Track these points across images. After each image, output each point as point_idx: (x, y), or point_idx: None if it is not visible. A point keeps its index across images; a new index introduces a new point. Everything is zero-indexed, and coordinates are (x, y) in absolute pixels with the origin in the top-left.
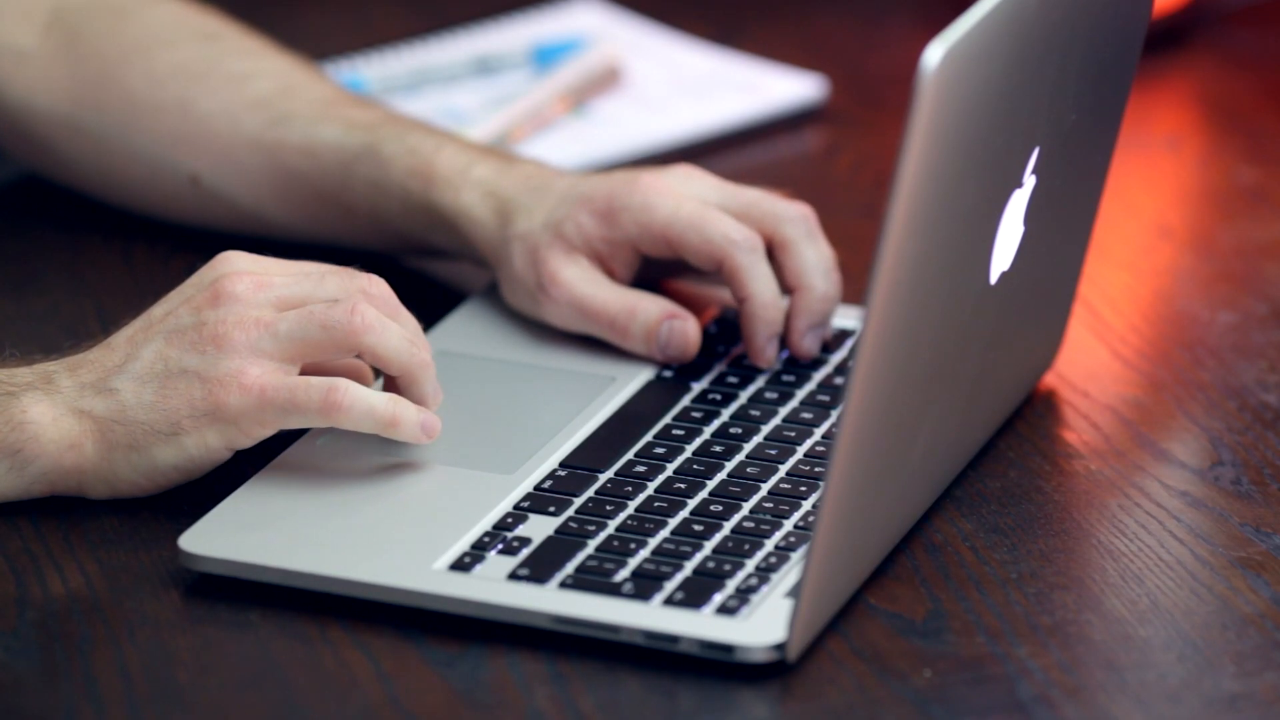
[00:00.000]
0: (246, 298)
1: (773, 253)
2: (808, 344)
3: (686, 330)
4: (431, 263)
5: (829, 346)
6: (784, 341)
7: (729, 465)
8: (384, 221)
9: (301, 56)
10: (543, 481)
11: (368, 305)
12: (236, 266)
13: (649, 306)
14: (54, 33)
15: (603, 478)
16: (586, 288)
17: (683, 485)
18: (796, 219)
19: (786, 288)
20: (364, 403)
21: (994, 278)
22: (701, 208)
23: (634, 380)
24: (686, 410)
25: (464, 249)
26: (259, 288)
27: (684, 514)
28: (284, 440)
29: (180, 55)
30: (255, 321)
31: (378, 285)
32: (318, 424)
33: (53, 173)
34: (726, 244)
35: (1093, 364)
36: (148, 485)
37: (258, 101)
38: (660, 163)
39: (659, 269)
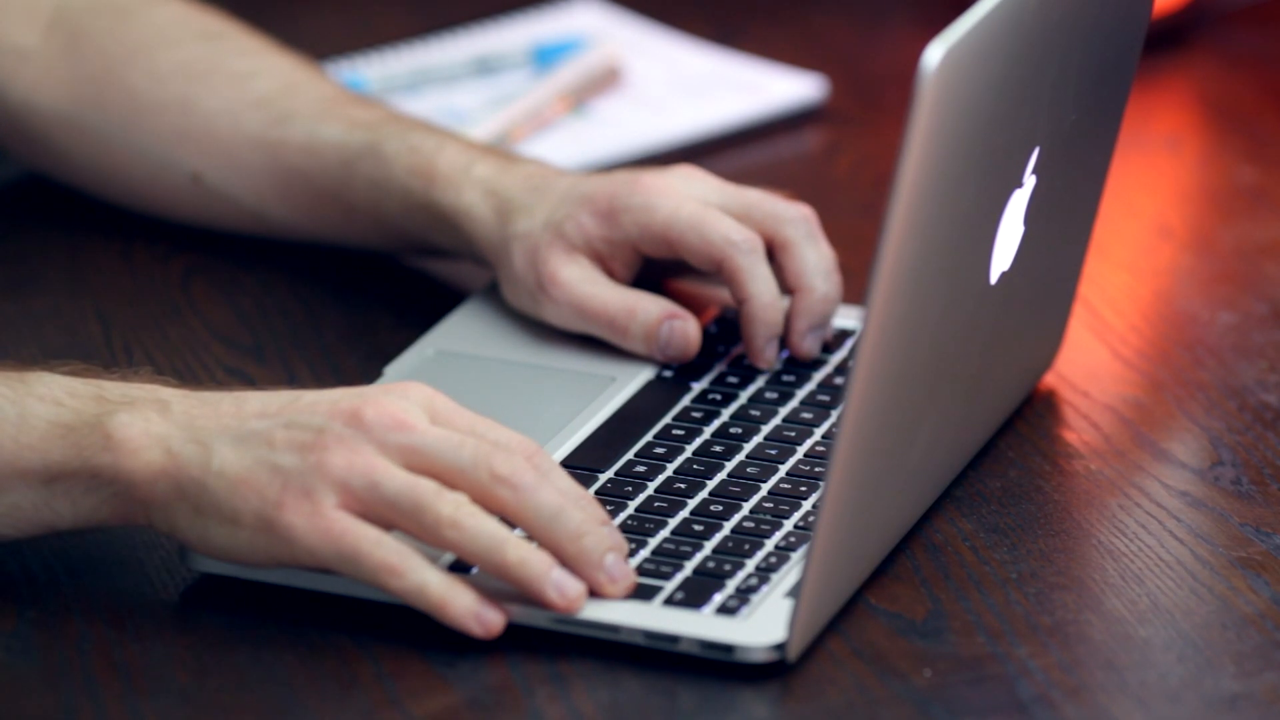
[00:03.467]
0: (377, 432)
1: (773, 254)
2: (808, 345)
3: (687, 330)
4: (431, 262)
5: (829, 346)
6: (784, 342)
7: (729, 465)
8: (385, 220)
9: (303, 56)
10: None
11: (466, 503)
12: (398, 398)
13: (649, 306)
14: (56, 31)
15: (603, 478)
16: (586, 288)
17: (683, 485)
18: (797, 220)
19: (787, 289)
20: (419, 576)
21: (994, 278)
22: (702, 209)
23: (634, 380)
24: (686, 410)
25: (464, 248)
26: (394, 427)
27: (684, 514)
28: None
29: (182, 54)
30: (366, 460)
31: (511, 466)
32: (366, 580)
33: (54, 172)
34: (726, 245)
35: (1093, 364)
36: (199, 547)
37: (259, 100)
38: (660, 163)
39: (660, 269)
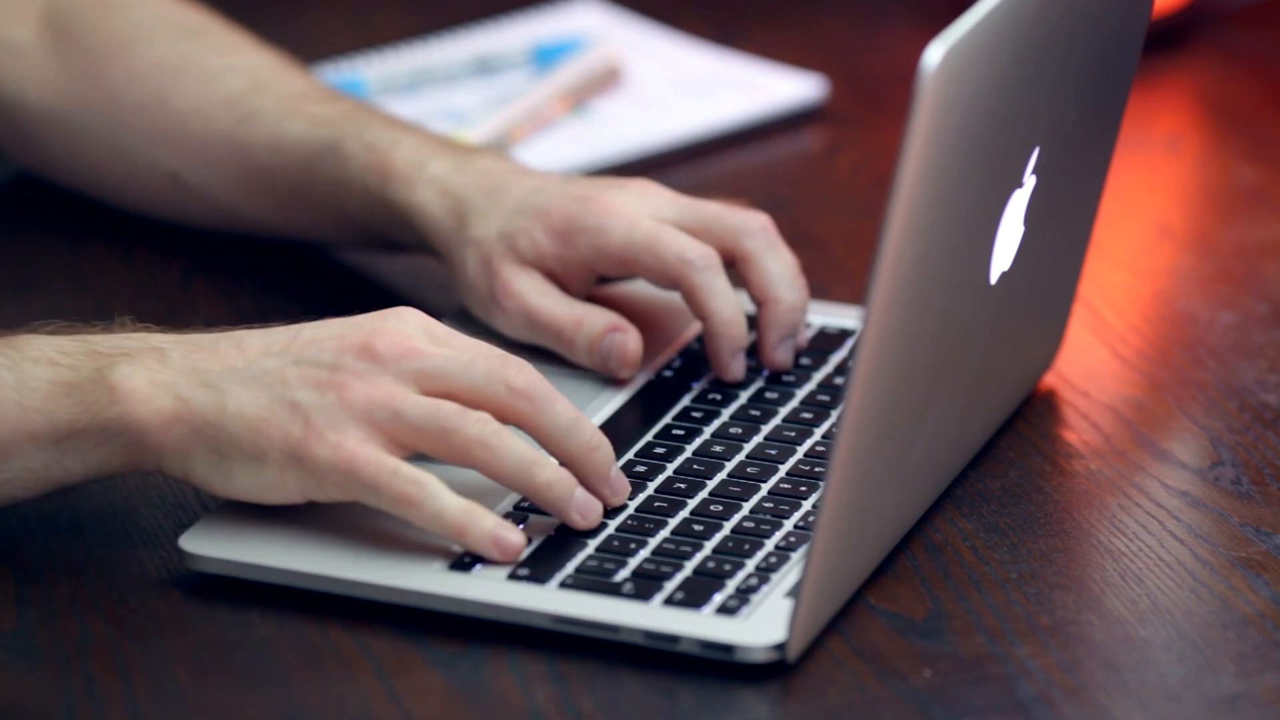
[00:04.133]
0: (390, 362)
1: (735, 266)
2: (780, 355)
3: (626, 342)
4: (430, 263)
5: (829, 346)
6: (756, 354)
7: (729, 465)
8: (349, 217)
9: (281, 52)
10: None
11: (491, 421)
12: (399, 325)
13: (595, 319)
14: (49, 26)
15: None
16: (537, 299)
17: (683, 485)
18: (756, 231)
19: (754, 301)
20: (436, 505)
21: (994, 278)
22: (656, 228)
23: (634, 380)
24: (686, 410)
25: (421, 245)
26: (406, 355)
27: (684, 514)
28: None
29: (159, 51)
30: (385, 391)
31: (525, 378)
32: (390, 511)
33: (42, 169)
34: (681, 264)
35: (1093, 364)
36: (219, 489)
37: (229, 98)
38: (661, 163)
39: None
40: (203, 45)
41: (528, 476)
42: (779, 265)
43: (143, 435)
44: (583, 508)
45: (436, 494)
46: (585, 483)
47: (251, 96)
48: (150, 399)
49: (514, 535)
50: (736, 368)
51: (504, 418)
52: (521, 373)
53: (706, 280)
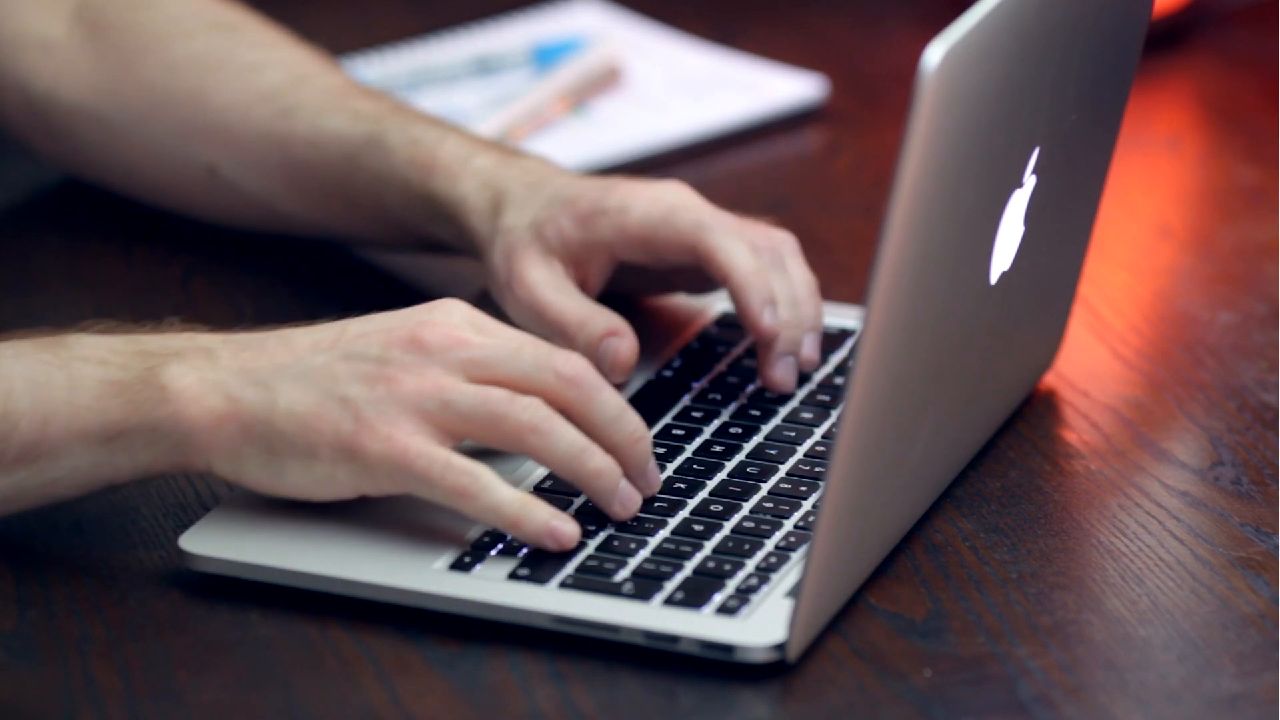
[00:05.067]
0: (438, 353)
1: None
2: (778, 374)
3: (618, 349)
4: (432, 263)
5: (829, 346)
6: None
7: (729, 465)
8: (387, 213)
9: (317, 49)
10: (543, 481)
11: (543, 406)
12: (445, 316)
13: (599, 321)
14: (80, 22)
15: None
16: (548, 293)
17: (683, 485)
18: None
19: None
20: (491, 498)
21: (994, 278)
22: (674, 204)
23: (634, 380)
24: (686, 410)
25: (460, 239)
26: (453, 345)
27: (684, 514)
28: None
29: (196, 46)
30: (434, 382)
31: (574, 366)
32: (444, 504)
33: (75, 166)
34: (697, 229)
35: (1093, 364)
36: (271, 488)
37: (268, 93)
38: (661, 163)
39: (643, 283)
40: (240, 40)
41: (578, 463)
42: (776, 288)
43: (193, 434)
44: (625, 499)
45: (491, 486)
46: (625, 473)
47: (291, 91)
48: (201, 398)
49: (569, 526)
50: (769, 318)
51: (552, 405)
52: (570, 361)
53: (725, 242)
